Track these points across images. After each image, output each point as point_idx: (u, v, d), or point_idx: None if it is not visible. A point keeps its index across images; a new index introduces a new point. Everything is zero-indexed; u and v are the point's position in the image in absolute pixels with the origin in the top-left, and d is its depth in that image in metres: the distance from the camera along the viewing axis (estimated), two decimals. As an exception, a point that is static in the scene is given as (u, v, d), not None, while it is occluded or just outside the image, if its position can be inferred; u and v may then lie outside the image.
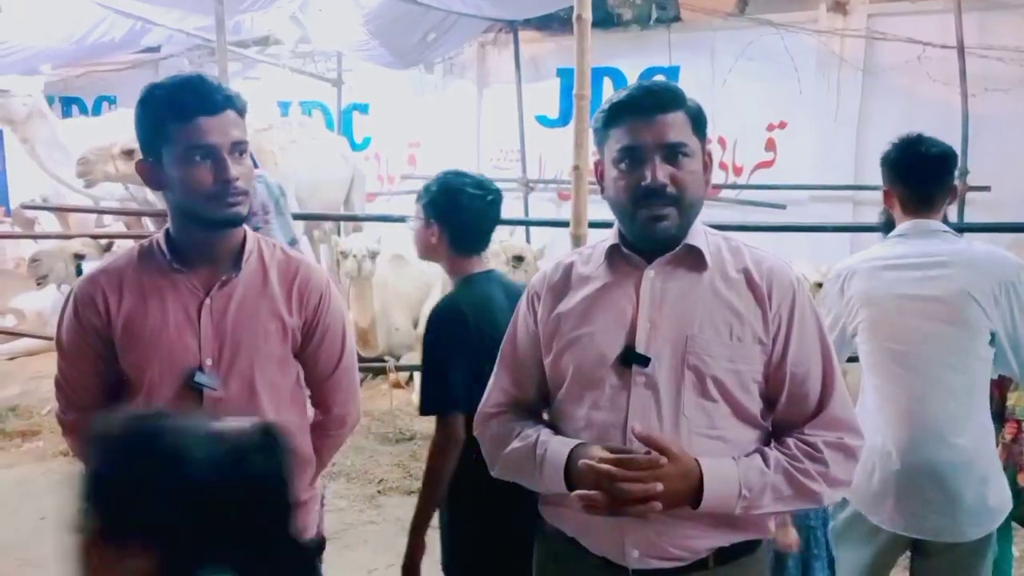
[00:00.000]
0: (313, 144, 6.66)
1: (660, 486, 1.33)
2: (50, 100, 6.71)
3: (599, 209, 4.38)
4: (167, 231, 1.60)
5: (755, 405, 1.48)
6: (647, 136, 1.44)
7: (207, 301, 1.56)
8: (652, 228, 1.46)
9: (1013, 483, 2.29)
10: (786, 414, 1.50)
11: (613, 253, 1.54)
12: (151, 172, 1.53)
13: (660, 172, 1.44)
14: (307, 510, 1.70)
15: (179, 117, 1.47)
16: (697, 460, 1.39)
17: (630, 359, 1.46)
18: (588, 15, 3.21)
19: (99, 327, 1.55)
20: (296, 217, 5.90)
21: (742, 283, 1.48)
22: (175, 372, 1.54)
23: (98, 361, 1.58)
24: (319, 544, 1.73)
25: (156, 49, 8.35)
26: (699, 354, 1.44)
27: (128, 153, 4.81)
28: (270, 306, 1.60)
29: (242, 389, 1.57)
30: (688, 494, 1.38)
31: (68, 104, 10.11)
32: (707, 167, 1.53)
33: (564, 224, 3.80)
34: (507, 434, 1.58)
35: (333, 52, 8.45)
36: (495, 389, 1.65)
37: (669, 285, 1.49)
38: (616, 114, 1.48)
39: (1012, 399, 2.52)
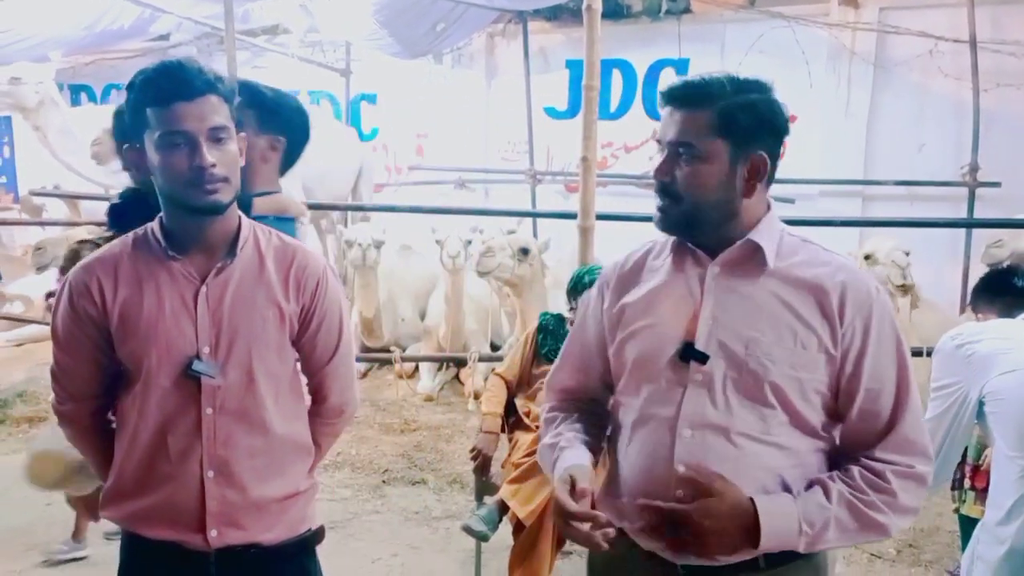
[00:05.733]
0: (321, 134, 6.65)
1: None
2: (59, 87, 6.69)
3: (607, 202, 4.38)
4: (160, 218, 1.58)
5: (815, 415, 1.43)
6: (665, 130, 1.44)
7: (203, 288, 1.55)
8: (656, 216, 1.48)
9: None
10: (856, 430, 1.44)
11: (679, 246, 1.51)
12: (138, 158, 1.52)
13: (661, 165, 1.44)
14: (306, 500, 1.68)
15: (156, 102, 1.45)
16: (752, 498, 1.36)
17: (688, 355, 1.43)
18: (598, 5, 3.20)
19: (95, 316, 1.54)
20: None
21: (812, 290, 1.41)
22: (173, 360, 1.53)
23: (94, 350, 1.56)
24: (318, 534, 1.72)
25: (166, 37, 8.34)
26: (759, 357, 1.40)
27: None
28: (267, 293, 1.58)
29: (240, 376, 1.55)
30: (742, 532, 1.35)
31: (77, 91, 10.11)
32: (724, 169, 1.41)
33: (572, 216, 3.79)
34: (549, 423, 1.63)
35: (342, 42, 8.44)
36: (559, 373, 1.67)
37: (733, 283, 1.45)
38: (661, 101, 1.47)
39: None
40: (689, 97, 1.41)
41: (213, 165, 1.47)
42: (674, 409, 1.44)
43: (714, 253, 1.47)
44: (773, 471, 1.42)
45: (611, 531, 1.42)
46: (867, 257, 4.61)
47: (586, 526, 1.40)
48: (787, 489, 1.42)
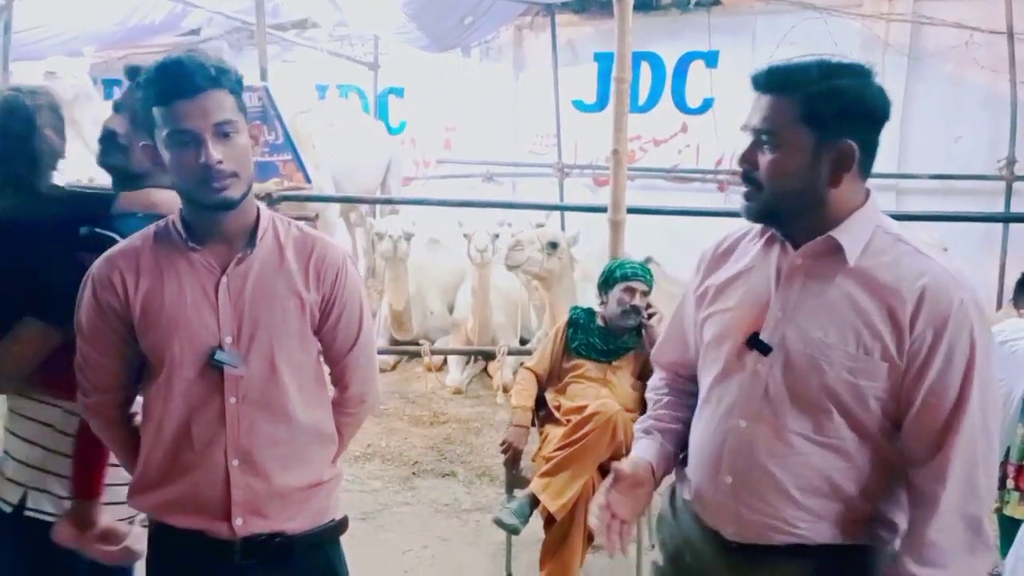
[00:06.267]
0: (351, 128, 6.68)
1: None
2: (92, 81, 6.78)
3: (636, 195, 4.36)
4: (180, 211, 1.60)
5: (876, 421, 1.39)
6: (750, 116, 1.41)
7: (224, 279, 1.55)
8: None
9: None
10: (909, 442, 1.39)
11: (769, 233, 1.49)
12: (153, 155, 1.54)
13: (744, 152, 1.42)
14: (330, 489, 1.69)
15: (160, 101, 1.46)
16: None
17: (753, 344, 1.43)
18: (630, -3, 3.18)
19: (118, 308, 1.55)
20: (331, 200, 5.95)
21: (887, 294, 1.35)
22: (196, 351, 1.53)
23: (118, 342, 1.58)
24: (341, 524, 1.73)
25: (196, 32, 8.42)
26: (816, 358, 1.37)
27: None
28: (287, 282, 1.58)
29: (263, 366, 1.56)
30: None
31: (110, 86, 10.21)
32: (807, 158, 1.37)
33: (601, 210, 3.77)
34: (650, 402, 1.73)
35: (370, 36, 8.45)
36: (663, 347, 1.76)
37: (810, 278, 1.41)
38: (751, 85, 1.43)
39: None
40: (774, 83, 1.37)
41: (220, 162, 1.46)
42: (732, 396, 1.46)
43: (801, 243, 1.43)
44: (823, 472, 1.41)
45: (626, 532, 1.53)
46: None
47: (604, 517, 1.51)
48: (837, 491, 1.41)
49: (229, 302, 1.55)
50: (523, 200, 7.85)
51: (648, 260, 5.28)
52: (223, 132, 1.47)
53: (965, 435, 1.33)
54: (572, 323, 3.42)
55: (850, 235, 1.38)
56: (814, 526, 1.43)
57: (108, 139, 1.89)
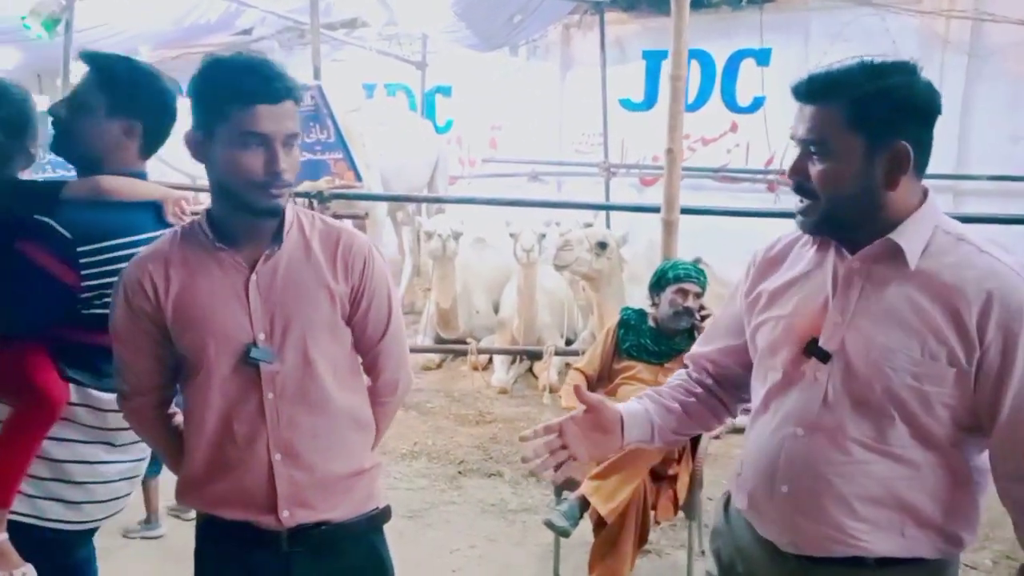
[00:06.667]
0: (400, 127, 6.70)
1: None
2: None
3: (683, 195, 4.32)
4: (208, 210, 1.60)
5: (943, 429, 1.34)
6: (796, 127, 1.38)
7: (253, 277, 1.56)
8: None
9: None
10: (997, 453, 1.35)
11: (822, 239, 1.46)
12: (199, 145, 1.52)
13: (794, 164, 1.38)
14: (371, 478, 1.70)
15: (240, 100, 1.45)
16: None
17: (812, 351, 1.39)
18: (687, -6, 3.13)
19: (150, 312, 1.56)
20: (380, 198, 5.98)
21: (952, 297, 1.30)
22: (231, 349, 1.55)
23: (153, 345, 1.59)
24: (385, 512, 1.74)
25: (248, 32, 8.54)
26: (880, 363, 1.33)
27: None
28: (316, 275, 1.59)
29: (298, 360, 1.57)
30: None
31: (163, 85, 10.44)
32: (861, 164, 1.33)
33: (652, 209, 3.72)
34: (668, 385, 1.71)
35: (418, 34, 8.49)
36: (699, 345, 1.73)
37: (868, 283, 1.37)
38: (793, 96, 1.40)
39: None
40: (816, 91, 1.33)
41: (284, 171, 1.48)
42: (790, 405, 1.42)
43: (859, 247, 1.39)
44: (884, 481, 1.37)
45: (567, 468, 1.54)
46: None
47: (553, 443, 1.53)
48: (899, 502, 1.37)
49: (260, 298, 1.56)
50: (570, 199, 7.81)
51: (697, 261, 5.22)
52: (289, 143, 1.50)
53: None
54: (623, 324, 3.38)
55: (909, 237, 1.34)
56: (874, 537, 1.38)
57: (55, 126, 1.87)
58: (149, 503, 3.56)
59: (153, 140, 1.91)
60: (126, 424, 1.77)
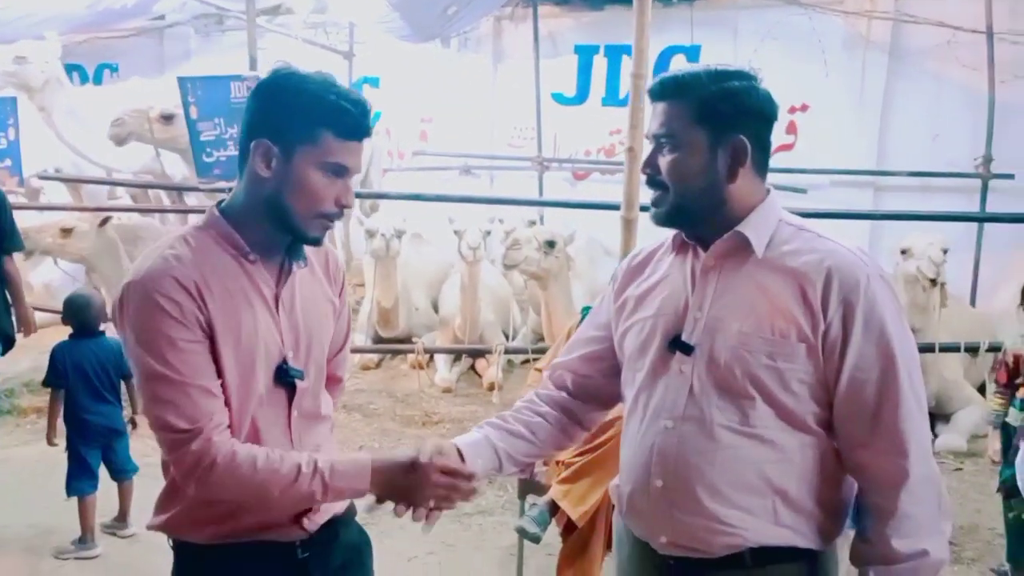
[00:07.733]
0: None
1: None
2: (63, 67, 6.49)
3: (615, 191, 4.31)
4: (234, 221, 1.48)
5: (803, 407, 1.42)
6: (650, 125, 1.50)
7: (280, 292, 1.53)
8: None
9: None
10: (844, 422, 1.43)
11: (680, 241, 1.56)
12: (265, 156, 1.44)
13: (647, 159, 1.51)
14: None
15: (338, 130, 1.44)
16: None
17: (675, 346, 1.48)
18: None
19: (200, 318, 1.41)
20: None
21: (796, 278, 1.41)
22: (269, 366, 1.51)
23: (207, 354, 1.42)
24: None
25: (161, 17, 8.15)
26: (737, 348, 1.42)
27: (167, 118, 4.68)
28: (322, 291, 1.62)
29: (316, 375, 1.59)
30: None
31: (69, 71, 9.74)
32: (705, 156, 1.44)
33: (614, 207, 3.69)
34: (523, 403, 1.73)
35: (344, 24, 8.27)
36: (561, 358, 1.75)
37: (722, 275, 1.48)
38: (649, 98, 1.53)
39: None
40: (668, 90, 1.46)
41: (350, 206, 1.53)
42: (658, 400, 1.49)
43: (710, 245, 1.49)
44: (754, 464, 1.43)
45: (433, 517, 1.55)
46: (903, 251, 4.57)
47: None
48: (771, 485, 1.43)
49: (285, 314, 1.54)
50: (505, 195, 7.72)
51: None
52: (352, 177, 1.52)
53: (905, 403, 1.39)
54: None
55: (755, 228, 1.46)
56: (749, 524, 1.43)
57: None
58: (85, 521, 3.34)
59: None
60: None
